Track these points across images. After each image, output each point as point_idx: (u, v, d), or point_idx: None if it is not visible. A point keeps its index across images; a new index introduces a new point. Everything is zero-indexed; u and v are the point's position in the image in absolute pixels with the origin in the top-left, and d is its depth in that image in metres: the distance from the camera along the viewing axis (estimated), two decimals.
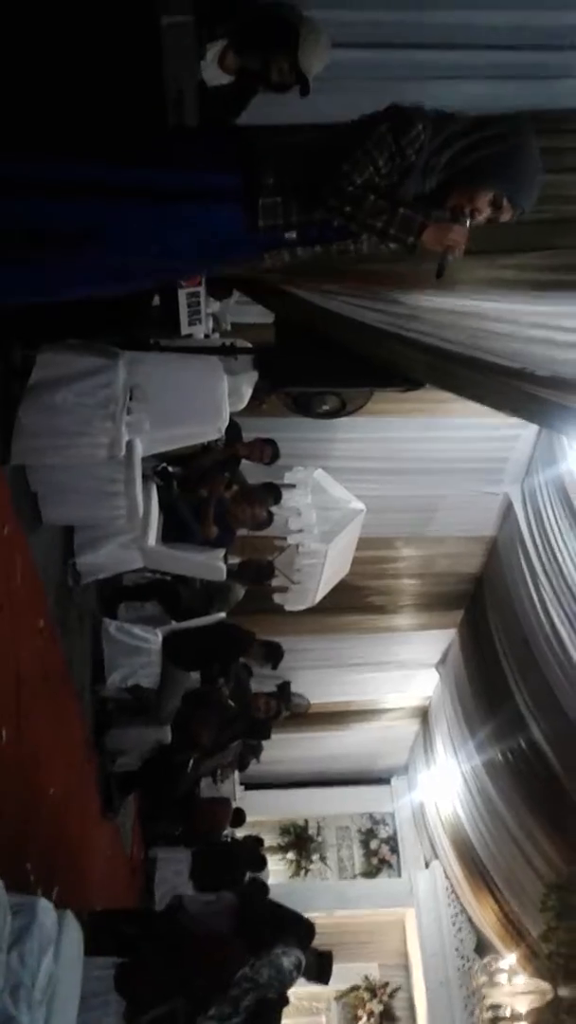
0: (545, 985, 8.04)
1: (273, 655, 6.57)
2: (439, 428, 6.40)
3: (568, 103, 3.68)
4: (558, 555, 6.34)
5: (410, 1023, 10.56)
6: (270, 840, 10.98)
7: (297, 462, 6.19)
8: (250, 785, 10.08)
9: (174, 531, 4.76)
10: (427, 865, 10.85)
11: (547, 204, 3.70)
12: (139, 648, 5.03)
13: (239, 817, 8.12)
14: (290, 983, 3.60)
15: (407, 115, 2.40)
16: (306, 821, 11.75)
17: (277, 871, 10.76)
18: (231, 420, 4.29)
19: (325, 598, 6.56)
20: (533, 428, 6.18)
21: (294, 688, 7.95)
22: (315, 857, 11.61)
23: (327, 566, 6.18)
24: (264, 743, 7.40)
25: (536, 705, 7.15)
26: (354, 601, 7.89)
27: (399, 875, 11.39)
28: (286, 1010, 3.60)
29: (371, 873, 11.57)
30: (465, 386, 3.94)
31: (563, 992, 7.80)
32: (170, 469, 4.77)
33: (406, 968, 10.85)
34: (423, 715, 10.66)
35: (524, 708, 7.35)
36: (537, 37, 3.58)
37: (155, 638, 5.09)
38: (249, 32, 2.91)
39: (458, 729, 9.14)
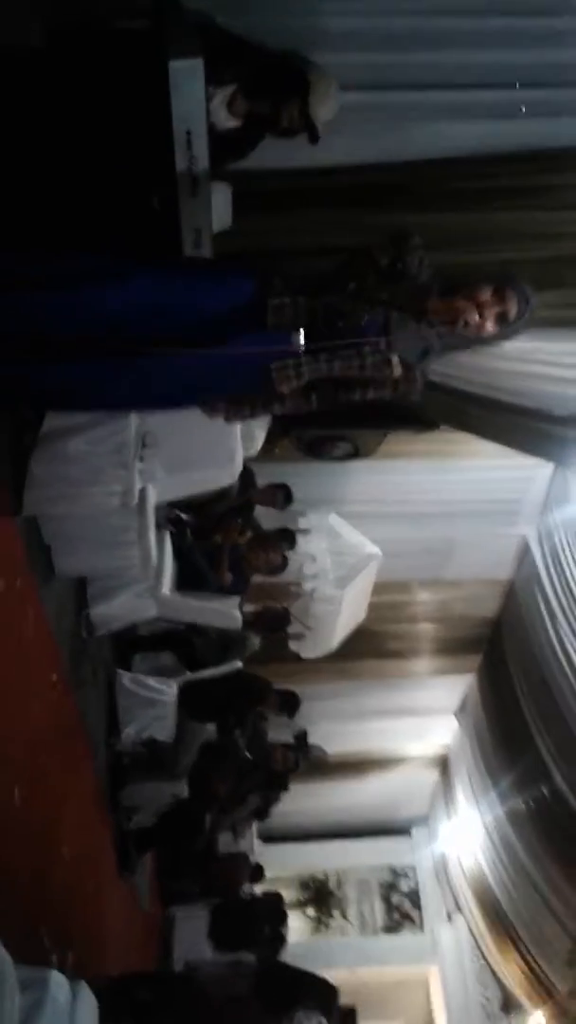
0: None
1: (289, 705, 6.44)
2: (453, 470, 6.33)
3: (570, 141, 3.70)
4: None
5: None
6: (289, 896, 10.69)
7: (311, 507, 6.13)
8: (268, 839, 9.88)
9: (189, 579, 4.71)
10: (450, 918, 10.55)
11: (561, 242, 3.72)
12: (154, 700, 4.94)
13: (258, 873, 7.93)
14: None
15: None
16: (326, 875, 11.45)
17: (297, 928, 10.48)
18: (245, 466, 4.26)
19: (341, 644, 6.46)
20: (547, 468, 6.12)
21: (310, 737, 7.81)
22: (335, 912, 11.30)
23: (343, 612, 6.10)
24: (282, 795, 7.25)
25: (559, 751, 6.98)
26: (371, 646, 7.75)
27: (421, 929, 11.06)
28: None
29: (393, 928, 11.23)
30: (481, 426, 3.91)
31: None
32: (184, 516, 4.72)
33: None
34: (443, 764, 10.43)
35: (546, 754, 7.18)
36: (536, 75, 3.59)
37: (170, 690, 5.00)
38: (260, 77, 2.93)
39: (479, 777, 8.92)
